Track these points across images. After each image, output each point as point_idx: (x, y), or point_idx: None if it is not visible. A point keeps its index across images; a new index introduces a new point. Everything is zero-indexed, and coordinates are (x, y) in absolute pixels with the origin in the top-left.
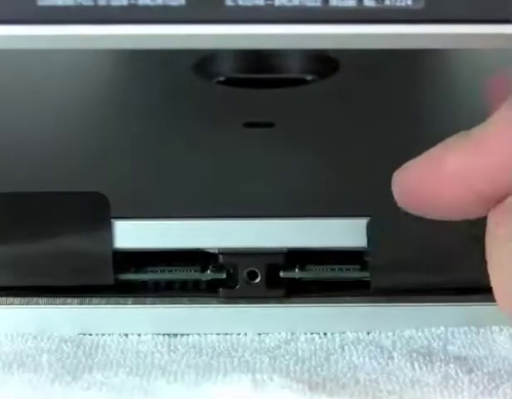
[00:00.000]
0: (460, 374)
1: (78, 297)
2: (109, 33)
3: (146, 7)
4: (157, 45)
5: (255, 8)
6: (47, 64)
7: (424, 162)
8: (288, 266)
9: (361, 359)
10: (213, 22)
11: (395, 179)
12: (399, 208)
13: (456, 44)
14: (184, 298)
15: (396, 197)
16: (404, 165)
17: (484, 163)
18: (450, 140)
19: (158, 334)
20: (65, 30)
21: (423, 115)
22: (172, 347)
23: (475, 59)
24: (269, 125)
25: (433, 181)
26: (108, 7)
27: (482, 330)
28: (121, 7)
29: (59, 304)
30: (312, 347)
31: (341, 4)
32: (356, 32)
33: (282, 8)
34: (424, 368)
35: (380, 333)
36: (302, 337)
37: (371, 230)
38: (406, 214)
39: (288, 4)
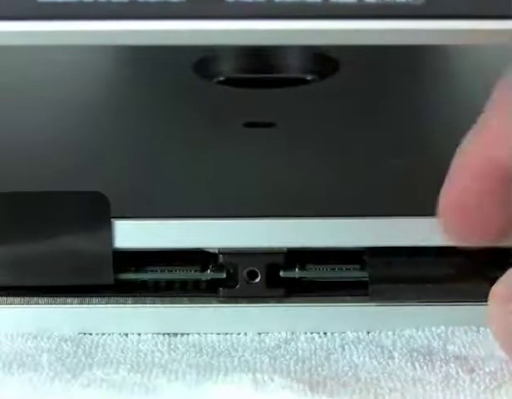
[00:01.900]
0: (461, 373)
1: (78, 297)
2: (109, 29)
3: (146, 3)
4: (157, 41)
5: (255, 4)
6: (47, 63)
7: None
8: (288, 266)
9: (361, 359)
10: (213, 18)
11: (438, 208)
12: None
13: (457, 40)
14: (184, 298)
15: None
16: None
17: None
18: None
19: (158, 334)
20: (65, 26)
21: (423, 114)
22: (172, 347)
23: (476, 56)
24: (270, 125)
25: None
26: (108, 3)
27: (482, 329)
28: (121, 3)
29: (59, 304)
30: (313, 347)
31: (341, 0)
32: (356, 28)
33: (282, 4)
34: (424, 368)
35: (380, 333)
36: (303, 337)
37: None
38: None
39: (289, 0)
